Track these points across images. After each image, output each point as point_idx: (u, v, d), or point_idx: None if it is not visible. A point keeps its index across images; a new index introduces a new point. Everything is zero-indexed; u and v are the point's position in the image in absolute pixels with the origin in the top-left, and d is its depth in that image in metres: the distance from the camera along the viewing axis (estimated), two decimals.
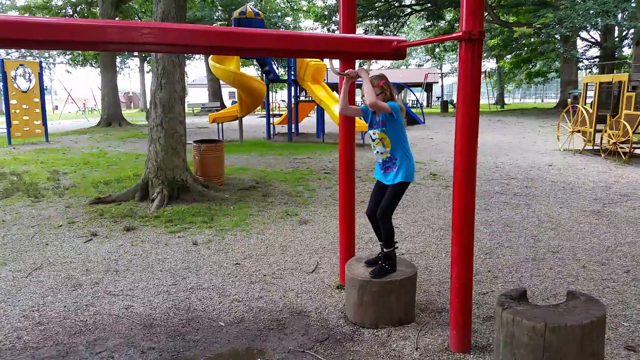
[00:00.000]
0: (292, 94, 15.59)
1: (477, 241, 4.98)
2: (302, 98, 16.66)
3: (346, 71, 3.36)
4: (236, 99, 14.54)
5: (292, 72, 14.97)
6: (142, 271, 4.29)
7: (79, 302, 3.68)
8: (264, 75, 15.94)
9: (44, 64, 15.31)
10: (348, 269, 3.38)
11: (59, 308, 3.58)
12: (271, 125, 16.54)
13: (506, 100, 51.95)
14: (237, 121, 15.08)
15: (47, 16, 22.72)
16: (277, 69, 16.13)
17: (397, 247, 3.42)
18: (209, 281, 4.06)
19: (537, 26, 19.76)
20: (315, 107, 16.92)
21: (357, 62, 3.85)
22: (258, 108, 23.88)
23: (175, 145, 6.82)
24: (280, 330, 3.22)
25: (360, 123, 12.85)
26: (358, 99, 4.14)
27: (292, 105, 15.84)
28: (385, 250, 3.32)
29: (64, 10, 23.30)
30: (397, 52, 3.21)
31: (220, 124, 15.16)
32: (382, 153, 3.31)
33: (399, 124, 3.24)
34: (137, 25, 2.71)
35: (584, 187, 7.56)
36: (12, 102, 14.54)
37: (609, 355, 2.82)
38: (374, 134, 3.32)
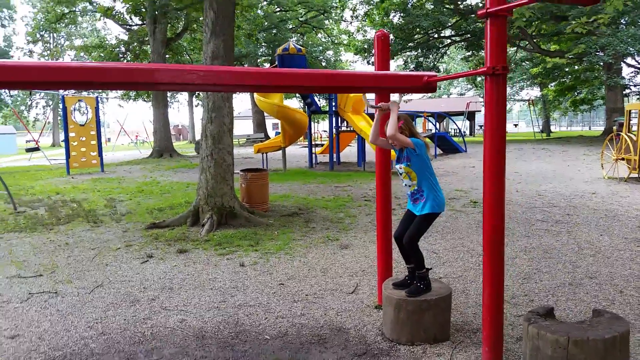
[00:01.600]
0: (333, 124, 16.00)
1: (515, 267, 5.08)
2: (343, 128, 17.06)
3: (379, 104, 3.65)
4: (279, 130, 15.05)
5: (333, 104, 15.41)
6: (194, 289, 4.62)
7: (137, 315, 4.03)
8: (306, 107, 16.46)
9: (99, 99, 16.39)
10: (385, 288, 3.58)
11: (120, 321, 3.93)
12: (313, 155, 16.95)
13: (552, 128, 50.91)
14: (280, 151, 15.58)
15: (102, 54, 24.32)
16: (319, 100, 16.64)
17: (430, 269, 3.61)
18: (255, 299, 4.34)
19: (570, 56, 19.62)
20: (356, 136, 17.27)
21: (392, 96, 4.10)
22: (300, 138, 24.50)
23: (224, 174, 7.25)
24: (321, 344, 3.45)
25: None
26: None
27: (334, 135, 16.23)
28: (417, 272, 3.51)
29: (117, 49, 24.79)
30: (428, 86, 3.47)
31: (264, 154, 15.69)
32: (409, 186, 3.56)
33: (423, 159, 3.48)
34: (191, 68, 3.08)
35: (627, 214, 7.47)
36: (71, 134, 15.58)
37: None
38: (400, 168, 3.57)
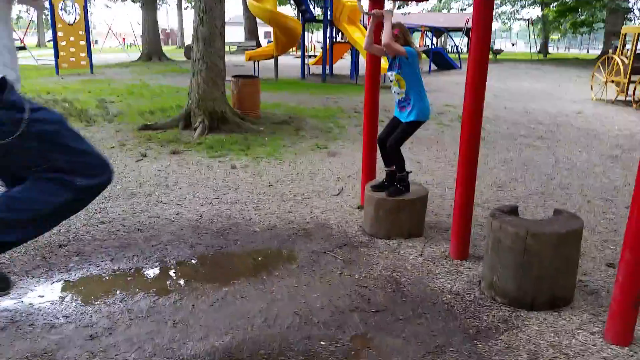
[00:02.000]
0: (328, 34, 15.66)
1: (492, 176, 5.37)
2: (337, 39, 16.71)
3: (373, 11, 3.68)
4: (272, 39, 14.74)
5: (329, 13, 14.98)
6: (188, 186, 4.88)
7: (135, 207, 4.30)
8: (300, 14, 15.99)
9: None
10: (367, 189, 3.85)
11: (118, 212, 4.20)
12: (306, 66, 16.73)
13: (551, 50, 49.94)
14: (272, 60, 15.36)
15: None
16: (314, 8, 16.12)
17: (410, 172, 3.85)
18: (246, 197, 4.61)
19: None
20: (351, 48, 16.97)
21: (386, 4, 4.13)
22: (293, 48, 23.92)
23: (216, 79, 7.28)
24: (306, 237, 3.76)
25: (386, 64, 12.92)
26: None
27: (327, 46, 15.95)
28: (398, 174, 3.76)
29: None
30: None
31: (256, 62, 15.47)
32: (398, 93, 3.69)
33: (414, 68, 3.58)
34: None
35: (608, 134, 7.73)
36: (59, 34, 15.15)
37: (592, 270, 3.25)
38: (391, 75, 3.68)
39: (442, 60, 20.86)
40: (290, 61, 25.88)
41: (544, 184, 5.10)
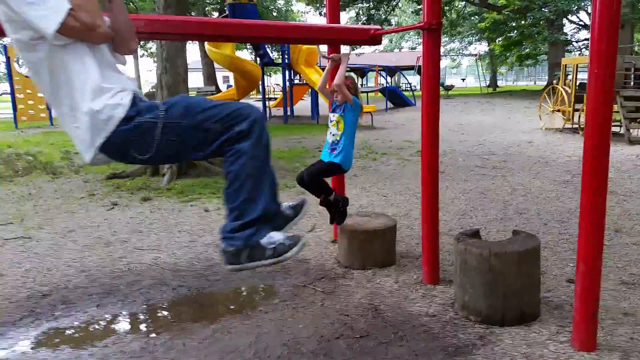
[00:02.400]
0: (287, 77, 16.15)
1: (454, 206, 5.70)
2: (296, 81, 17.24)
3: (331, 55, 3.93)
4: (231, 83, 15.09)
5: (286, 56, 15.52)
6: (163, 232, 4.97)
7: (113, 255, 4.36)
8: (258, 58, 16.47)
9: None
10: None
11: (97, 260, 4.25)
12: (267, 108, 17.11)
13: (499, 83, 52.54)
14: None
15: None
16: (271, 52, 16.66)
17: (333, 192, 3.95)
18: None
19: (508, 12, 20.39)
20: (309, 89, 17.51)
21: (343, 48, 4.45)
22: (253, 92, 24.39)
23: None
24: (285, 272, 3.91)
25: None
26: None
27: (287, 88, 16.41)
28: (332, 197, 3.84)
29: None
30: (374, 39, 3.80)
31: None
32: (333, 135, 3.79)
33: (355, 117, 3.76)
34: (140, 17, 3.34)
35: (558, 161, 8.27)
36: (16, 87, 15.02)
37: (555, 287, 3.52)
38: (333, 116, 3.80)
39: (397, 98, 21.70)
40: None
41: (502, 211, 5.45)
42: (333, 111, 3.85)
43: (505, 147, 9.85)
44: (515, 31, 28.97)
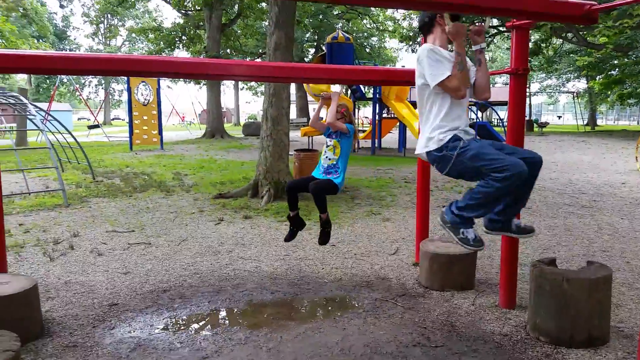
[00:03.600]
0: (377, 110, 16.71)
1: (537, 240, 5.80)
2: (384, 115, 17.74)
3: (321, 93, 4.18)
4: (322, 116, 15.88)
5: (378, 91, 16.11)
6: (262, 245, 5.57)
7: (221, 262, 5.00)
8: (351, 93, 17.21)
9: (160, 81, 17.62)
10: (422, 246, 4.41)
11: (207, 265, 4.91)
12: (356, 140, 17.71)
13: (599, 122, 49.72)
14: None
15: (159, 38, 25.73)
16: (364, 88, 17.35)
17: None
18: (313, 255, 5.25)
19: (612, 49, 19.57)
20: (398, 123, 17.92)
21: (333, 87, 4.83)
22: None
23: (281, 153, 8.17)
24: (369, 287, 4.32)
25: None
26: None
27: (376, 121, 16.96)
28: (322, 215, 4.09)
29: (173, 33, 26.04)
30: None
31: (310, 137, 16.57)
32: (330, 159, 4.03)
33: (349, 142, 4.04)
34: (252, 64, 3.98)
35: None
36: (134, 113, 16.91)
37: (628, 319, 3.62)
38: (330, 141, 4.05)
39: (487, 134, 21.46)
40: None
41: (586, 248, 5.48)
42: (329, 136, 4.07)
43: (597, 186, 9.60)
44: (617, 69, 27.63)
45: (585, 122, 42.65)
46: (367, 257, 5.21)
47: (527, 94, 50.33)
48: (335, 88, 4.34)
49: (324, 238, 4.23)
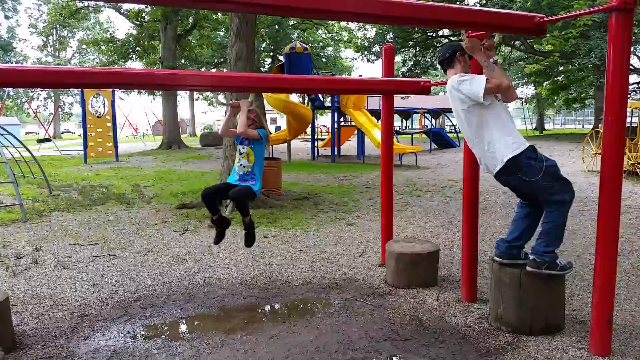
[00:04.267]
0: (335, 119, 16.99)
1: (494, 238, 6.10)
2: (342, 123, 18.05)
3: (230, 102, 4.26)
4: (279, 125, 16.00)
5: (336, 100, 16.39)
6: (229, 253, 5.62)
7: (189, 270, 5.03)
8: (310, 102, 17.43)
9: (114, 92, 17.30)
10: (388, 246, 4.59)
11: (176, 274, 4.92)
12: (316, 148, 17.94)
13: (547, 126, 51.97)
14: (285, 144, 16.56)
15: (111, 49, 25.27)
16: (322, 97, 17.61)
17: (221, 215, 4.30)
18: (281, 260, 5.34)
19: (558, 56, 20.66)
20: (356, 131, 18.26)
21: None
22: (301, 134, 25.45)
23: None
24: (338, 288, 4.46)
25: (397, 145, 14.09)
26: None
27: (335, 130, 17.23)
28: (245, 219, 4.17)
29: (127, 44, 25.61)
30: (424, 90, 4.44)
31: (270, 146, 16.66)
32: (244, 166, 4.02)
33: (263, 147, 4.10)
34: (214, 74, 4.08)
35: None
36: (88, 126, 16.52)
37: (580, 307, 3.90)
38: (243, 148, 4.09)
39: (441, 139, 22.15)
40: (299, 145, 27.27)
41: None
42: (241, 143, 4.09)
43: None
44: (562, 75, 29.07)
45: (534, 126, 44.54)
46: (334, 260, 5.35)
47: None
48: (244, 97, 4.35)
49: (250, 240, 4.29)
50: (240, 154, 4.06)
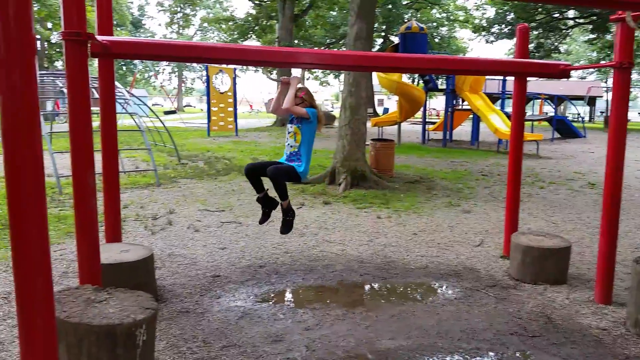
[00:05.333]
0: (449, 102, 16.45)
1: (627, 239, 5.60)
2: (458, 107, 17.43)
3: (280, 78, 4.00)
4: (386, 106, 15.80)
5: (451, 83, 15.84)
6: (345, 230, 5.73)
7: (308, 243, 5.20)
8: (423, 84, 17.03)
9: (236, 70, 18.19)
10: (514, 238, 4.38)
11: (295, 246, 5.12)
12: (426, 132, 17.54)
13: None
14: (395, 126, 16.38)
15: (233, 28, 26.50)
16: (437, 78, 17.11)
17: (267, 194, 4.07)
18: (396, 242, 5.34)
19: None
20: (471, 115, 17.56)
21: (294, 71, 4.76)
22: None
23: (358, 142, 8.29)
24: (457, 276, 4.36)
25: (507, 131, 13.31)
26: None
27: (448, 113, 16.69)
28: (282, 202, 3.95)
29: (246, 23, 26.67)
30: (563, 74, 4.10)
31: (380, 128, 16.60)
32: (291, 146, 3.87)
33: (312, 128, 3.87)
34: (333, 52, 4.06)
35: None
36: (212, 101, 17.57)
37: None
38: (291, 127, 3.93)
39: (565, 128, 20.57)
40: (407, 127, 26.86)
41: None
42: (291, 122, 3.94)
43: None
44: None
45: None
46: (450, 247, 5.24)
47: (605, 89, 47.62)
48: (295, 72, 4.17)
49: (285, 227, 4.02)
50: (289, 132, 3.91)
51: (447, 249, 5.16)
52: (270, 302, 3.71)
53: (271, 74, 4.53)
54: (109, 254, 3.43)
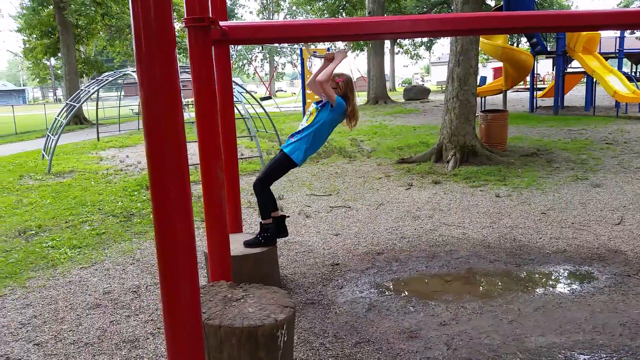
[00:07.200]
0: (560, 66, 15.09)
1: None
2: (568, 70, 15.97)
3: (324, 54, 3.56)
4: (483, 75, 14.80)
5: (562, 44, 14.49)
6: (462, 211, 5.37)
7: (424, 227, 4.93)
8: (530, 47, 15.76)
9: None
10: None
11: (411, 230, 4.87)
12: (534, 99, 16.28)
13: None
14: (498, 95, 15.36)
15: (324, 7, 26.31)
16: (545, 40, 15.70)
17: (284, 215, 3.68)
18: (522, 223, 4.89)
19: None
20: (585, 78, 16.02)
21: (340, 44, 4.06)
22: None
23: (468, 115, 7.78)
24: (602, 260, 3.88)
25: (638, 93, 11.98)
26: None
27: (559, 77, 15.33)
28: (261, 221, 3.52)
29: (337, 1, 26.33)
30: None
31: (483, 98, 15.65)
32: (302, 125, 3.51)
33: (331, 117, 3.41)
34: (438, 17, 3.60)
35: None
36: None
37: None
38: (312, 106, 3.52)
39: None
40: (511, 95, 25.25)
41: None
42: (317, 102, 3.55)
43: None
44: None
45: None
46: (587, 226, 4.71)
47: None
48: (341, 45, 3.65)
49: (251, 242, 3.49)
50: (308, 111, 3.59)
51: (583, 229, 4.65)
52: (397, 293, 3.52)
53: (314, 52, 4.20)
54: (234, 245, 3.42)
